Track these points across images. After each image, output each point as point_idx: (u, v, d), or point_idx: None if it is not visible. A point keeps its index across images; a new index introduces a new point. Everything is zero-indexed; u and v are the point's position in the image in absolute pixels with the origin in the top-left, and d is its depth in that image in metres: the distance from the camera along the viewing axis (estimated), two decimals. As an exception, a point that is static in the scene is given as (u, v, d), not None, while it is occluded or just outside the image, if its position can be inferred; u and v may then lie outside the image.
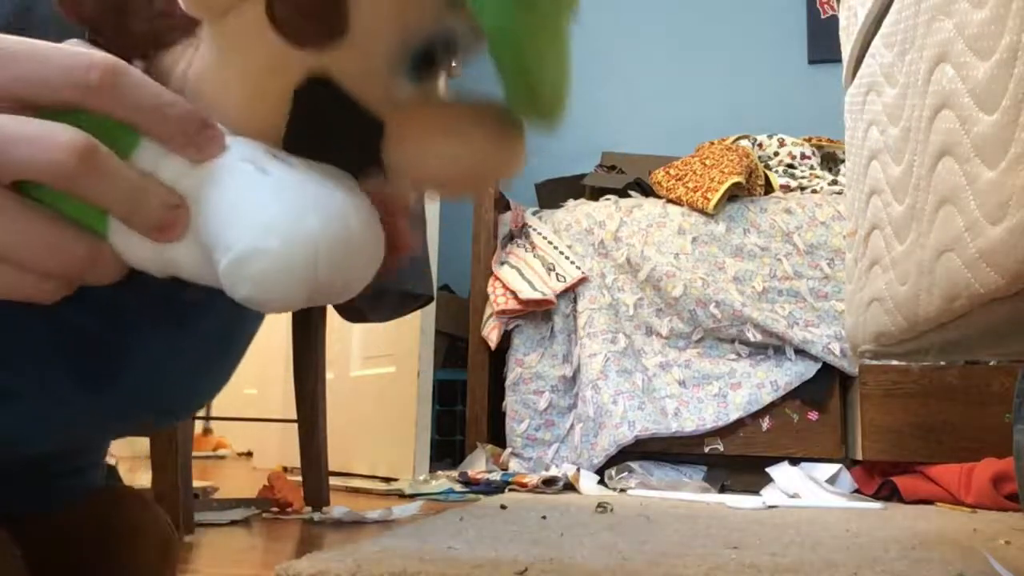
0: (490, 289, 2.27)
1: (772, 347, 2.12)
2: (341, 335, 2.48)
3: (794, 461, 1.98)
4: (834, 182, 2.38)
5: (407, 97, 0.35)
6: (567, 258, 2.25)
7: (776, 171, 2.43)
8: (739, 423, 2.07)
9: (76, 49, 0.32)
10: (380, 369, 2.38)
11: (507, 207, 2.47)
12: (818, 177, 2.39)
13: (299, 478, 1.55)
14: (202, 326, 0.42)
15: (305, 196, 0.33)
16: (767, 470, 1.92)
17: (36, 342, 0.38)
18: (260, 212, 0.32)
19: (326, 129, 0.34)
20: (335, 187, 0.34)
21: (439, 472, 2.16)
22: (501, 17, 0.31)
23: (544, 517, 1.33)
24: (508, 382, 2.22)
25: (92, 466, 0.56)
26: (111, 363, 0.40)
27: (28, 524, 0.49)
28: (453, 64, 0.39)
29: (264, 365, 3.00)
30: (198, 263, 0.33)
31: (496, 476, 1.99)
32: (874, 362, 1.96)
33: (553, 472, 2.00)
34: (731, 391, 2.09)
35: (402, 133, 0.35)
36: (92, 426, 0.43)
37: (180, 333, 0.42)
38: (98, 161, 0.31)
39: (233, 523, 1.33)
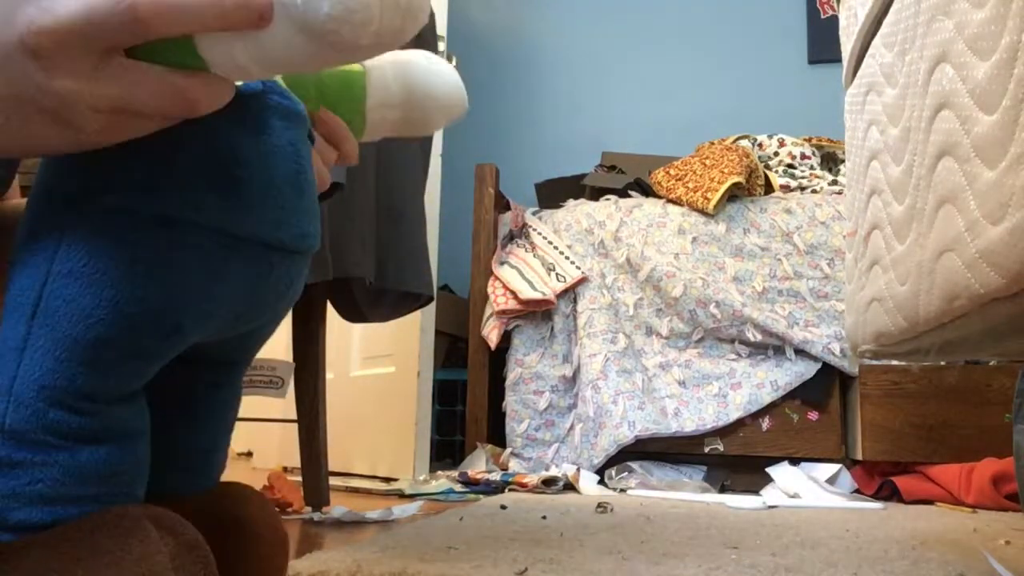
0: (490, 289, 2.27)
1: (772, 347, 2.12)
2: (341, 335, 2.48)
3: (794, 461, 1.98)
4: (834, 182, 2.38)
5: None
6: (567, 258, 2.25)
7: (776, 171, 2.43)
8: (739, 423, 2.07)
9: None
10: (380, 369, 2.38)
11: (507, 207, 2.47)
12: (818, 177, 2.39)
13: (299, 478, 1.55)
14: (277, 134, 0.49)
15: None
16: (767, 470, 1.92)
17: (174, 166, 0.45)
18: None
19: None
20: None
21: (439, 472, 2.16)
22: None
23: (544, 517, 1.33)
24: (508, 382, 2.22)
25: (220, 448, 0.57)
26: (227, 168, 0.46)
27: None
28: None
29: (264, 365, 3.00)
30: (289, 37, 0.39)
31: (496, 476, 1.99)
32: (874, 362, 1.96)
33: (553, 472, 2.00)
34: (731, 391, 2.09)
35: None
36: (242, 277, 0.48)
37: (262, 139, 0.48)
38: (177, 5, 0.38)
39: (233, 523, 1.33)
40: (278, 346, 2.81)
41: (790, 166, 2.44)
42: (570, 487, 1.94)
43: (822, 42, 3.14)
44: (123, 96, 0.40)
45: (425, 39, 1.62)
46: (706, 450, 2.09)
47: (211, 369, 0.54)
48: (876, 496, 1.86)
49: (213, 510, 0.52)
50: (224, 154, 0.46)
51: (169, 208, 0.44)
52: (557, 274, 2.21)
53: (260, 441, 2.97)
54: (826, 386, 2.07)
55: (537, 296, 2.16)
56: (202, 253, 0.45)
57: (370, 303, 1.56)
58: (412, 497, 1.82)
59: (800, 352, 2.09)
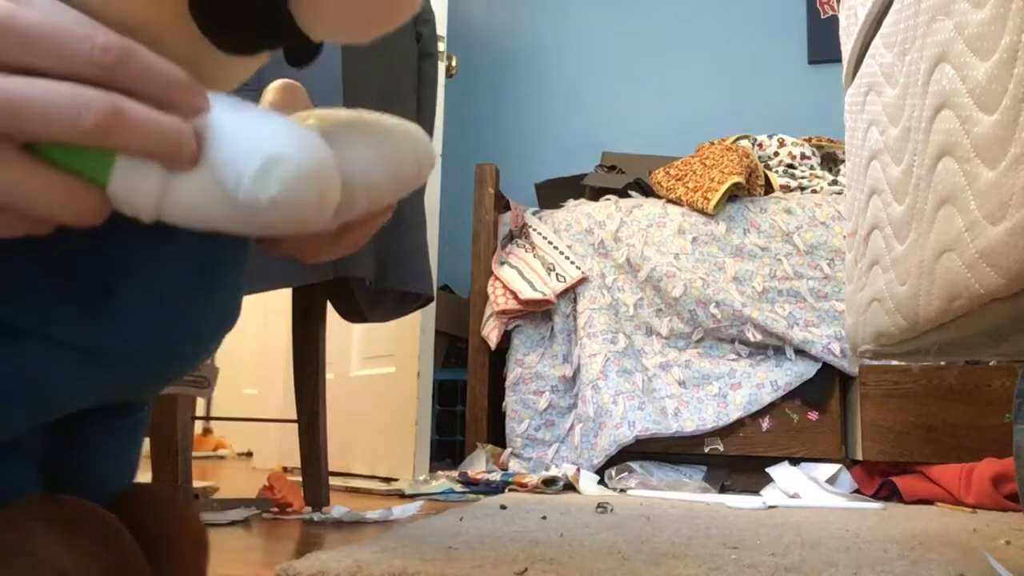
0: (490, 289, 2.27)
1: (772, 347, 2.12)
2: (341, 335, 2.48)
3: (794, 461, 1.98)
4: (834, 182, 2.38)
5: None
6: (567, 258, 2.25)
7: (776, 171, 2.43)
8: (739, 423, 2.07)
9: (82, 19, 0.34)
10: (380, 369, 2.38)
11: (507, 207, 2.47)
12: (818, 177, 2.39)
13: (299, 478, 1.55)
14: (184, 242, 0.42)
15: (294, 125, 0.37)
16: (767, 470, 1.92)
17: (27, 269, 0.39)
18: (271, 133, 0.36)
19: (232, 3, 0.37)
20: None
21: (439, 472, 2.16)
22: None
23: (544, 517, 1.33)
24: (508, 382, 2.22)
25: (122, 472, 0.55)
26: (101, 278, 0.40)
27: None
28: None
29: (264, 365, 3.01)
30: (204, 190, 0.35)
31: (496, 476, 1.98)
32: (874, 362, 1.96)
33: (553, 472, 2.00)
34: (731, 391, 2.09)
35: None
36: (99, 370, 0.42)
37: (165, 248, 0.42)
38: (126, 117, 0.33)
39: (233, 523, 1.33)
40: (278, 346, 2.81)
41: (790, 166, 2.44)
42: (570, 487, 1.94)
43: (822, 42, 3.14)
44: (4, 187, 0.34)
45: (425, 39, 1.62)
46: (706, 450, 2.09)
47: (109, 411, 0.51)
48: (876, 496, 1.86)
49: (123, 517, 0.48)
50: (101, 259, 0.40)
51: (8, 315, 0.38)
52: (557, 274, 2.21)
53: (260, 441, 2.97)
54: (826, 386, 2.07)
55: (537, 296, 2.16)
56: (49, 365, 0.40)
57: (370, 303, 1.56)
58: (412, 497, 1.82)
59: (800, 352, 2.09)
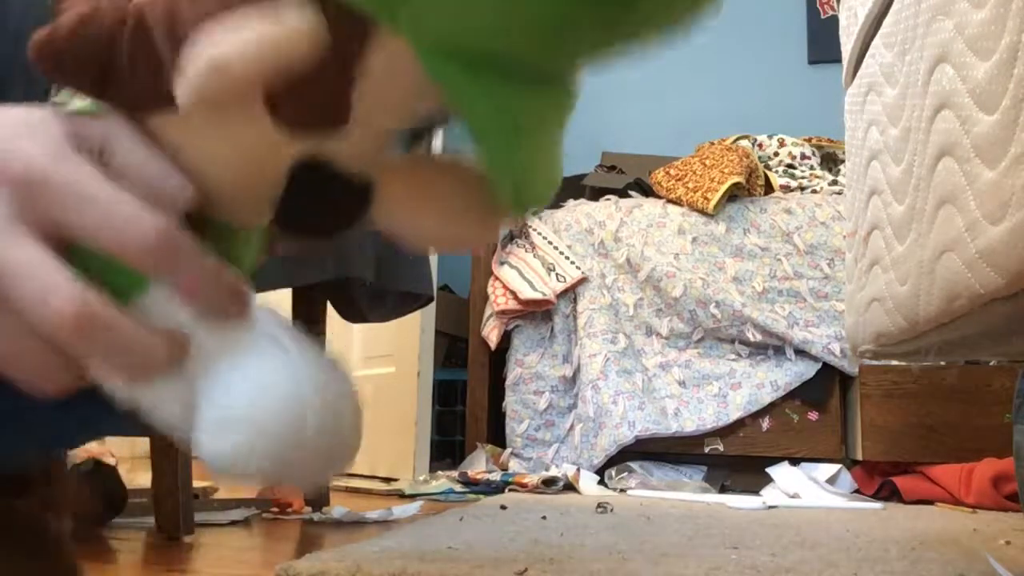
0: (490, 289, 2.27)
1: (772, 347, 2.12)
2: (341, 335, 2.48)
3: (794, 461, 1.98)
4: (834, 182, 2.38)
5: (398, 160, 0.36)
6: (567, 258, 2.25)
7: (776, 171, 2.43)
8: (739, 423, 2.07)
9: (132, 201, 0.31)
10: (380, 369, 2.38)
11: (507, 207, 2.46)
12: (818, 177, 2.39)
13: (299, 478, 1.55)
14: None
15: (307, 387, 0.33)
16: (767, 470, 1.92)
17: None
18: (268, 388, 0.33)
19: (319, 201, 0.35)
20: (336, 376, 0.35)
21: (439, 472, 2.16)
22: (505, 152, 0.32)
23: (544, 517, 1.33)
24: (508, 382, 2.22)
25: None
26: None
27: None
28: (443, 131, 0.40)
29: (264, 365, 3.00)
30: (170, 399, 0.34)
31: (496, 476, 1.98)
32: (874, 362, 1.96)
33: (553, 472, 2.00)
34: (731, 391, 2.09)
35: (391, 196, 0.35)
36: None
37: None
38: (95, 323, 0.31)
39: (233, 523, 1.33)
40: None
41: (790, 166, 2.44)
42: (570, 487, 1.94)
43: (822, 42, 3.14)
44: None
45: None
46: (706, 450, 2.09)
47: None
48: (876, 496, 1.86)
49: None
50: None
51: None
52: (557, 274, 2.21)
53: (260, 441, 2.97)
54: (826, 386, 2.07)
55: (537, 296, 2.16)
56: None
57: (370, 303, 1.57)
58: (412, 497, 1.82)
59: (800, 352, 2.09)
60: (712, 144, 2.46)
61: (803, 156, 2.45)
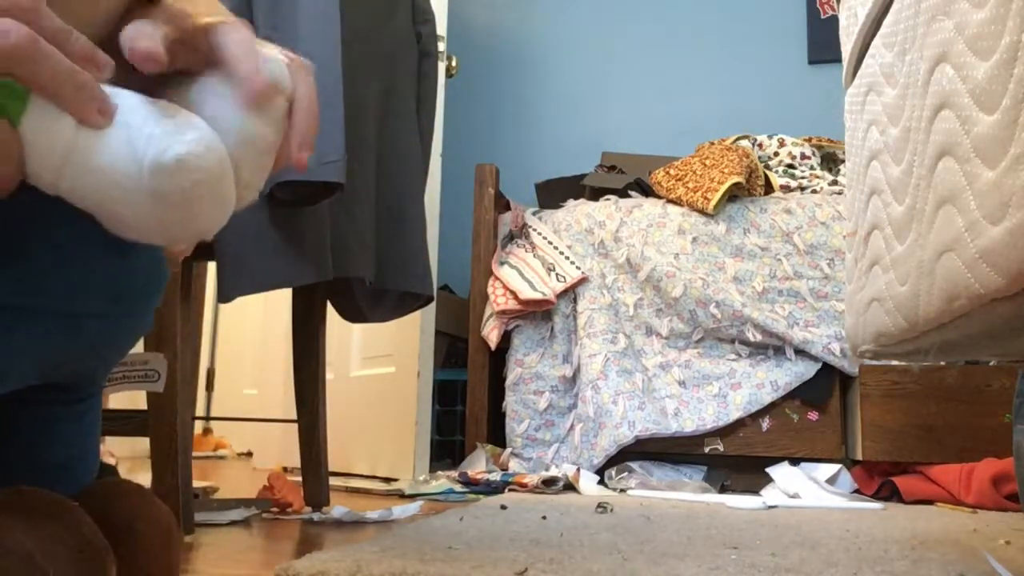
0: (490, 289, 2.27)
1: (772, 347, 2.12)
2: (341, 335, 2.48)
3: (794, 461, 1.98)
4: (834, 182, 2.38)
5: None
6: (567, 258, 2.25)
7: (776, 171, 2.43)
8: (739, 423, 2.07)
9: None
10: (380, 369, 2.38)
11: (507, 207, 2.47)
12: (818, 177, 2.39)
13: (299, 478, 1.55)
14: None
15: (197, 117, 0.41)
16: (767, 470, 1.92)
17: None
18: (179, 113, 0.39)
19: None
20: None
21: (439, 472, 2.16)
22: None
23: (544, 517, 1.33)
24: (508, 382, 2.22)
25: (78, 460, 0.55)
26: (14, 239, 0.42)
27: None
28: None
29: (264, 365, 3.01)
30: (112, 152, 0.37)
31: (496, 476, 1.98)
32: (874, 362, 1.96)
33: (553, 472, 2.00)
34: (731, 391, 2.09)
35: None
36: (29, 333, 0.43)
37: (76, 209, 0.42)
38: (42, 49, 0.34)
39: (233, 523, 1.33)
40: (278, 346, 2.81)
41: (790, 166, 2.44)
42: (570, 487, 1.94)
43: (822, 42, 3.14)
44: None
45: (425, 39, 1.62)
46: (706, 450, 2.09)
47: (56, 393, 0.51)
48: (876, 496, 1.86)
49: (92, 510, 0.48)
50: (13, 219, 0.40)
51: None
52: (557, 274, 2.21)
53: (260, 441, 2.97)
54: (826, 386, 2.07)
55: (537, 296, 2.16)
56: None
57: (370, 303, 1.57)
58: (412, 497, 1.82)
59: (800, 352, 2.09)
60: (712, 144, 2.46)
61: (803, 156, 2.45)
